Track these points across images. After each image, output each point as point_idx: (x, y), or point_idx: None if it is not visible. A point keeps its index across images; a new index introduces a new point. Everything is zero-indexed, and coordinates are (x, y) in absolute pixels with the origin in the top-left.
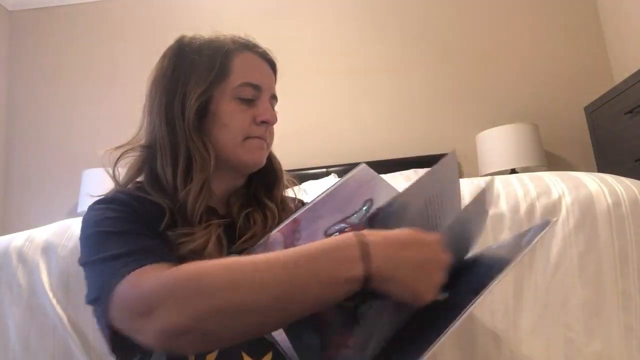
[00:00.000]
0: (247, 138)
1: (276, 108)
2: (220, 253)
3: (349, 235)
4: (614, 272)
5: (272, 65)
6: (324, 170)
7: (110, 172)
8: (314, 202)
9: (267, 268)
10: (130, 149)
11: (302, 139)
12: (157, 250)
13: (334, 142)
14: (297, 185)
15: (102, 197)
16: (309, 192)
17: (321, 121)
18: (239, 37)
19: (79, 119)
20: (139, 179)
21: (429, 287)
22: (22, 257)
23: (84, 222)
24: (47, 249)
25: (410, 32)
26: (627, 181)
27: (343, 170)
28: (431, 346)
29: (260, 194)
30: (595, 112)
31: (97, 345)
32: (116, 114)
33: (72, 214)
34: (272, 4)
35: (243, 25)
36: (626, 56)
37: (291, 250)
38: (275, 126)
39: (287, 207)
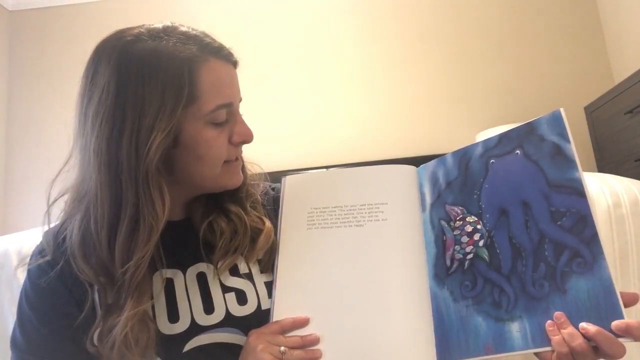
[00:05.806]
0: (224, 163)
1: (275, 108)
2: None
3: None
4: (614, 272)
5: (236, 64)
6: (324, 170)
7: (48, 211)
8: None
9: None
10: (65, 192)
11: (302, 139)
12: None
13: (333, 142)
14: (261, 170)
15: (30, 257)
16: None
17: (321, 121)
18: (195, 34)
19: None
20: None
21: None
22: (22, 257)
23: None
24: None
25: (410, 32)
26: (627, 181)
27: None
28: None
29: (221, 197)
30: (595, 112)
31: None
32: None
33: None
34: (273, 3)
35: (244, 25)
36: (626, 56)
37: None
38: (275, 125)
39: (256, 203)
